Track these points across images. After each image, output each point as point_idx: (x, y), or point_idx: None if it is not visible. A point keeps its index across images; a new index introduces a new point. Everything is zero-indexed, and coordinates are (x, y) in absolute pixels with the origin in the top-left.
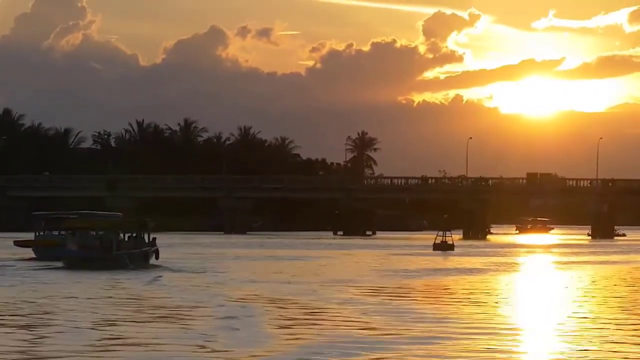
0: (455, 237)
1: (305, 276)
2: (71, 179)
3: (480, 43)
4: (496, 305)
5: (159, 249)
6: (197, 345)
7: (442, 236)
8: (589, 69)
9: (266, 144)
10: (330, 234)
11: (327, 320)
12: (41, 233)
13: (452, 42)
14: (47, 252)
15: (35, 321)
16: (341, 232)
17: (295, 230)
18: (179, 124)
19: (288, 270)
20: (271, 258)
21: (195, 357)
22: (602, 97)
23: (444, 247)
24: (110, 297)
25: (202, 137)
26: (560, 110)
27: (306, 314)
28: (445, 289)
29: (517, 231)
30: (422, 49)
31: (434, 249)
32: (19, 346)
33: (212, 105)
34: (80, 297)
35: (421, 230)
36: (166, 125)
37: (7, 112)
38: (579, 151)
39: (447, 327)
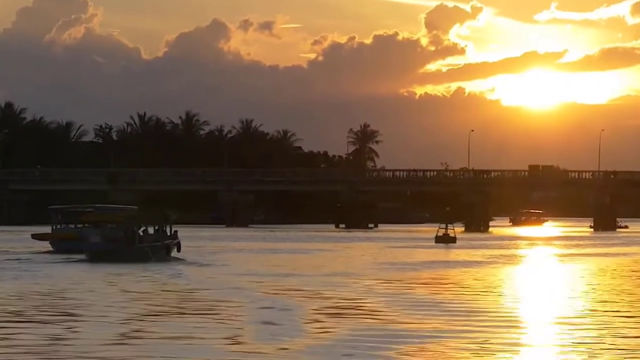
0: (457, 229)
1: (321, 269)
2: (72, 172)
3: (482, 35)
4: (506, 296)
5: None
6: (231, 338)
7: (444, 229)
8: (591, 61)
9: (268, 137)
10: (332, 226)
11: (356, 312)
12: (58, 226)
13: (454, 34)
14: (64, 245)
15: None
16: (343, 225)
17: (297, 223)
18: (180, 117)
19: (298, 264)
20: (283, 251)
21: (231, 350)
22: (604, 89)
23: (446, 240)
24: (141, 291)
25: (203, 130)
26: (562, 102)
27: (333, 306)
28: (452, 282)
29: (511, 223)
30: (424, 41)
31: (436, 242)
32: (48, 339)
33: (214, 99)
34: (113, 290)
35: (423, 222)
36: (168, 118)
37: (8, 105)
38: (581, 143)
39: (464, 320)
